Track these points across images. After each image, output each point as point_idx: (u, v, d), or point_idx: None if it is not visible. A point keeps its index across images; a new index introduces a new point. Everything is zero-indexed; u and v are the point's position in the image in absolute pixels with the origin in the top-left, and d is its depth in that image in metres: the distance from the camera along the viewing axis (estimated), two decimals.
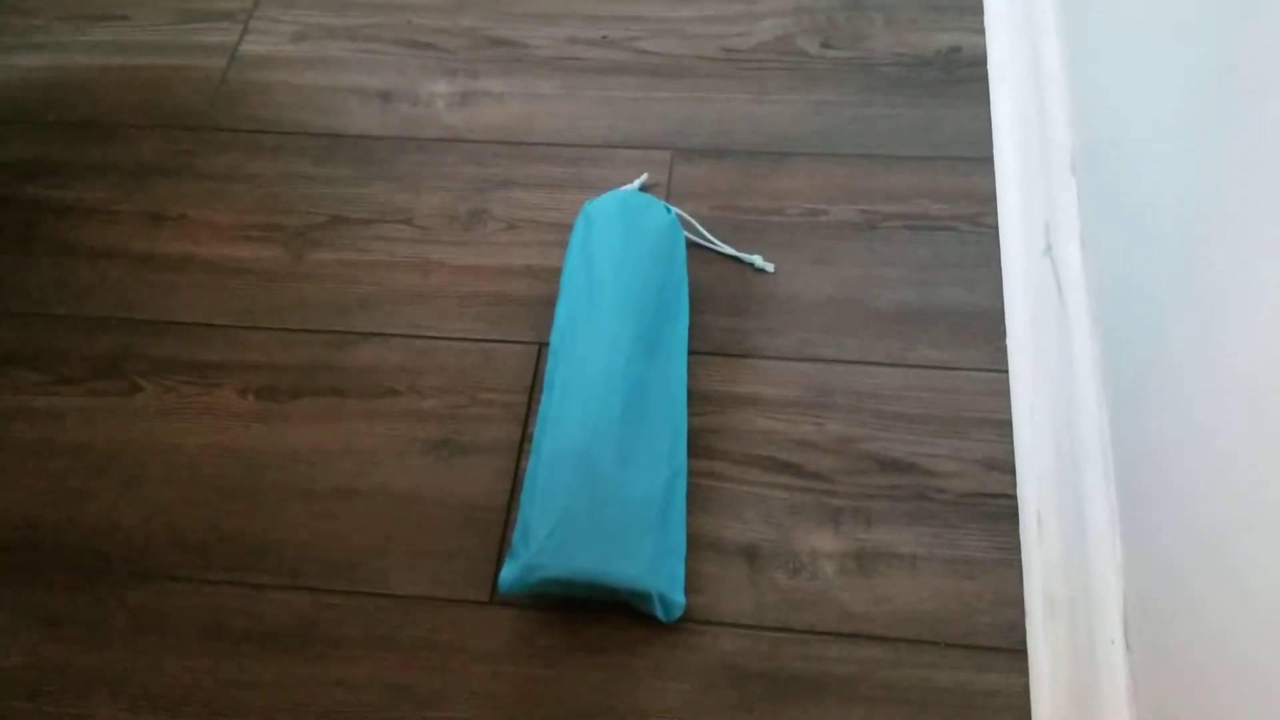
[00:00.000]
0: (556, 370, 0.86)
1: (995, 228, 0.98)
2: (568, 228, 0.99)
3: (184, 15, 1.21)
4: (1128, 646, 0.70)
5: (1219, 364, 0.59)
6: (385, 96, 1.12)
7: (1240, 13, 0.59)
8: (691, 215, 0.99)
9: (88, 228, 1.05)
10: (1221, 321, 0.59)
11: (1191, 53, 0.66)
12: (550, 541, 0.78)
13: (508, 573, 0.79)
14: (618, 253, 0.90)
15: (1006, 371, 0.90)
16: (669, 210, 0.94)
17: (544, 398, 0.86)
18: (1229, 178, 0.59)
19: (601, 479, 0.79)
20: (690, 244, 0.98)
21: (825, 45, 1.12)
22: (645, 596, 0.78)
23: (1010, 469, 0.86)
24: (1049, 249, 0.89)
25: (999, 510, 0.84)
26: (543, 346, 0.94)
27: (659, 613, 0.79)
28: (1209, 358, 0.61)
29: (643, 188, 1.02)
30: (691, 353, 0.92)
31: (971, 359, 0.92)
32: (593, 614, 0.81)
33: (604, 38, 1.15)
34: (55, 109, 1.14)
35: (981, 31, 1.12)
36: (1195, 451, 0.62)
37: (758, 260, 0.97)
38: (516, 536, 0.80)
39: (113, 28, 1.20)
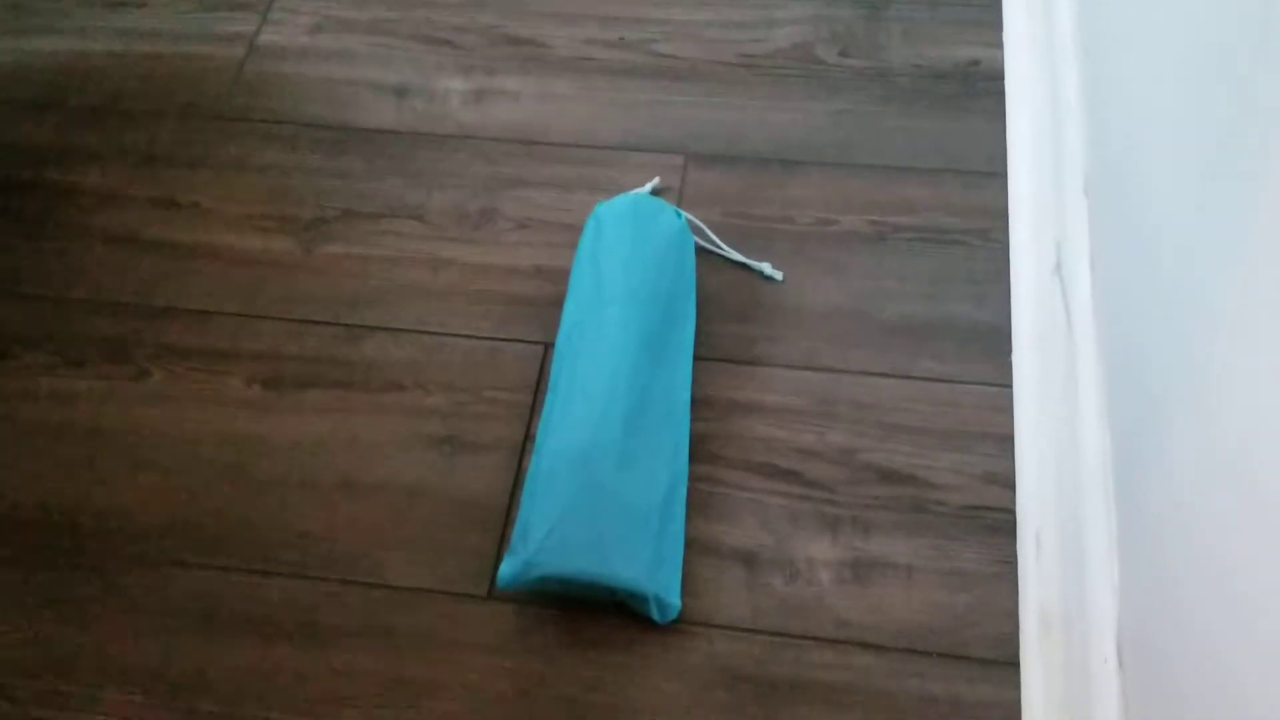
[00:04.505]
0: (561, 371, 0.87)
1: (1006, 243, 0.98)
2: (578, 229, 1.00)
3: (203, 4, 1.21)
4: (1121, 666, 0.70)
5: (1222, 396, 0.60)
6: (401, 92, 1.12)
7: (1258, 51, 0.59)
8: (702, 221, 1.00)
9: (101, 213, 1.05)
10: (1226, 354, 0.59)
11: (1208, 89, 0.66)
12: (550, 540, 0.78)
13: (506, 569, 0.79)
14: (627, 256, 0.90)
15: (1011, 387, 0.91)
16: (680, 215, 0.95)
17: (548, 398, 0.87)
18: (1237, 216, 0.59)
19: (602, 481, 0.80)
20: (700, 249, 0.98)
21: (843, 54, 1.13)
22: (642, 598, 0.79)
23: (1010, 483, 0.86)
24: (1059, 267, 0.89)
25: (997, 524, 0.84)
26: (549, 347, 0.94)
27: (655, 614, 0.80)
28: (1213, 388, 0.61)
29: (655, 191, 1.02)
30: (697, 358, 0.92)
31: (976, 373, 0.92)
32: (589, 612, 0.82)
33: (621, 39, 1.15)
34: (73, 94, 1.14)
35: (1000, 47, 1.12)
36: (1195, 477, 0.62)
37: (767, 268, 0.97)
38: (516, 534, 0.81)
39: (132, 14, 1.21)
